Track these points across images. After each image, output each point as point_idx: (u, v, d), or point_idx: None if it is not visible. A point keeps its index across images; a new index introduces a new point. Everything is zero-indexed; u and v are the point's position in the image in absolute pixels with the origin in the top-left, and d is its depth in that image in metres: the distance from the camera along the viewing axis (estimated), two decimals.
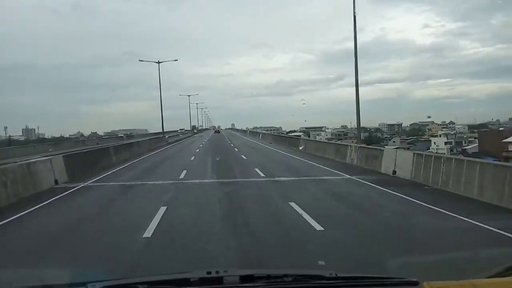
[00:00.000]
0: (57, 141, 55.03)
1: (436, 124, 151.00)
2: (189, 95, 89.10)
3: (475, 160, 11.87)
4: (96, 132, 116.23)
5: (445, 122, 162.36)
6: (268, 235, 7.24)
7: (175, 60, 50.86)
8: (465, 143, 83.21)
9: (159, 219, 8.22)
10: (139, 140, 39.55)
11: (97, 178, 15.76)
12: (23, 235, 7.69)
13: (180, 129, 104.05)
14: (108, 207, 10.47)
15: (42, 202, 10.75)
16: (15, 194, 11.25)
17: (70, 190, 12.85)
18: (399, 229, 7.69)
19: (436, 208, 9.19)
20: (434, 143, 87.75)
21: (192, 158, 25.15)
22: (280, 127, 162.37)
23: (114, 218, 9.12)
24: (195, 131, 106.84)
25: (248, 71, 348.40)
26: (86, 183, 14.32)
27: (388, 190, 11.83)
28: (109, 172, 17.98)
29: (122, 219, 8.96)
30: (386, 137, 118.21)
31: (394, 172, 15.04)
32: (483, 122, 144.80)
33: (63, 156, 16.02)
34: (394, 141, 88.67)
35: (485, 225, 7.38)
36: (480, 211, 8.88)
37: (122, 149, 25.83)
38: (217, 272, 1.65)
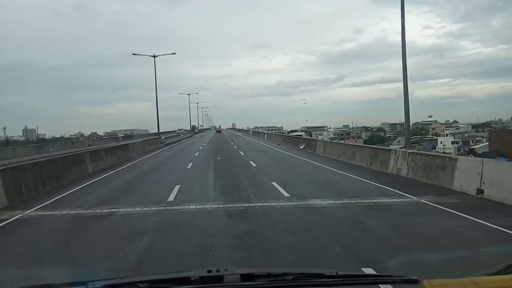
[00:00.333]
0: (42, 143, 50.99)
1: (440, 123, 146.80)
2: (189, 94, 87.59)
3: None
4: (96, 132, 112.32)
5: (448, 121, 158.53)
6: None
7: (173, 54, 46.94)
8: (472, 142, 79.70)
9: None
10: (128, 142, 34.60)
11: (50, 201, 10.99)
12: None
13: (179, 130, 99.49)
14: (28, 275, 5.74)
15: None
16: None
17: None
18: None
19: None
20: (441, 142, 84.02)
21: (189, 165, 20.09)
22: (281, 126, 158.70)
23: None
24: (196, 131, 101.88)
25: (248, 72, 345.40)
26: (26, 211, 9.61)
27: (495, 226, 7.14)
28: (74, 189, 13.22)
29: None
30: (389, 136, 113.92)
31: (481, 191, 10.32)
32: (486, 121, 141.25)
33: (1, 170, 11.24)
34: (398, 141, 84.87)
35: None
36: None
37: (103, 155, 20.94)
38: (217, 270, 1.55)
